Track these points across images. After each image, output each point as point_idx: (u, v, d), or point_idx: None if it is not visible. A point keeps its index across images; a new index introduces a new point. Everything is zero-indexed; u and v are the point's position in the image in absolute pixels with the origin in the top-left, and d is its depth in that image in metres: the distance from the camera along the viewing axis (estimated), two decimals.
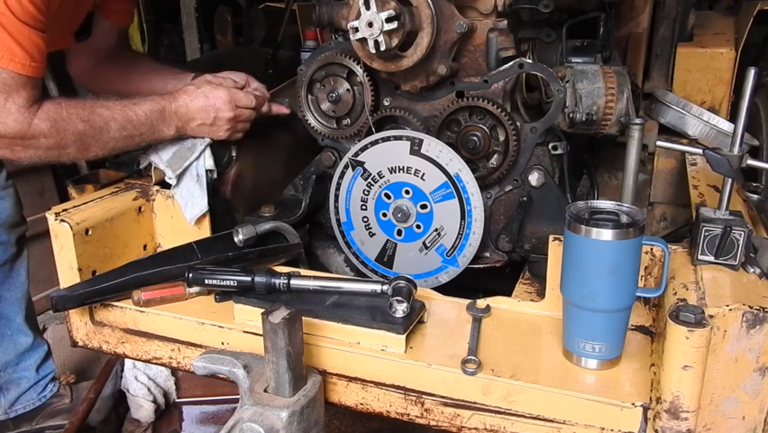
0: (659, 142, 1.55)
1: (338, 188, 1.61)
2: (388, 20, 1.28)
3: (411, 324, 1.22)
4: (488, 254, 1.58)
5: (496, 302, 1.34)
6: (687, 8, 2.03)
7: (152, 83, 1.78)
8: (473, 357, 1.16)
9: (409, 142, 1.49)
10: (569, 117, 1.55)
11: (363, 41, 1.32)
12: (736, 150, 1.22)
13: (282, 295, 1.30)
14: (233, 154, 1.67)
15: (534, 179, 1.51)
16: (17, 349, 1.99)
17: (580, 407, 1.08)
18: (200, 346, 1.36)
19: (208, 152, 1.57)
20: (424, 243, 1.55)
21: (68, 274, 1.42)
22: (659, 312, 1.20)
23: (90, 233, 1.43)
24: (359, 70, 1.56)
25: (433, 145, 1.47)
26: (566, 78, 1.55)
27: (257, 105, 1.60)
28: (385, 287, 1.25)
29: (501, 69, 1.46)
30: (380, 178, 1.55)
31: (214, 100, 1.51)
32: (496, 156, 1.51)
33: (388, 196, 1.55)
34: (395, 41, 1.33)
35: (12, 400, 2.01)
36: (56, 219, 1.40)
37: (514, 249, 1.55)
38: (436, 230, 1.53)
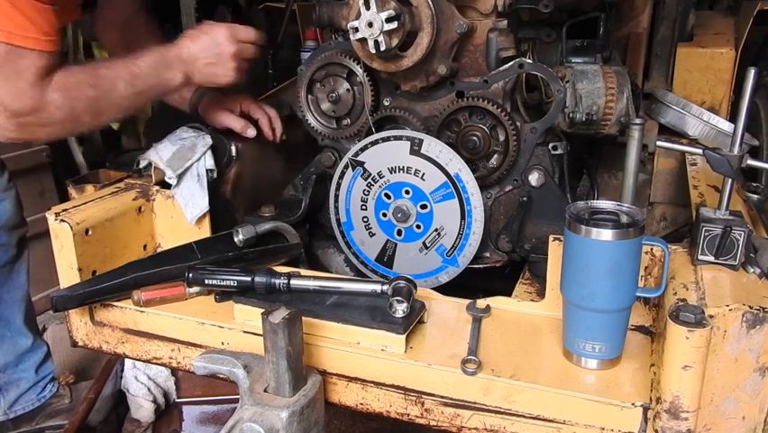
0: (659, 142, 1.55)
1: (338, 188, 1.61)
2: (388, 20, 1.28)
3: (411, 324, 1.22)
4: (488, 254, 1.58)
5: (496, 302, 1.34)
6: (687, 8, 2.03)
7: None
8: (473, 357, 1.16)
9: (409, 142, 1.49)
10: (569, 117, 1.55)
11: (363, 41, 1.32)
12: (736, 150, 1.22)
13: (282, 295, 1.30)
14: (233, 154, 1.67)
15: (534, 179, 1.51)
16: (17, 351, 1.99)
17: (580, 407, 1.08)
18: (200, 346, 1.35)
19: (209, 152, 1.57)
20: (424, 243, 1.55)
21: (68, 274, 1.42)
22: (659, 312, 1.20)
23: (90, 233, 1.43)
24: (359, 70, 1.56)
25: (433, 145, 1.47)
26: (566, 78, 1.55)
27: (257, 39, 1.56)
28: (385, 287, 1.25)
29: (501, 69, 1.46)
30: (380, 178, 1.55)
31: (215, 35, 1.49)
32: (496, 156, 1.51)
33: (388, 196, 1.55)
34: (395, 41, 1.33)
35: (11, 401, 2.01)
36: (56, 219, 1.40)
37: (514, 249, 1.55)
38: (436, 230, 1.53)
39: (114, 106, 1.41)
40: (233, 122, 1.67)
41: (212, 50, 1.48)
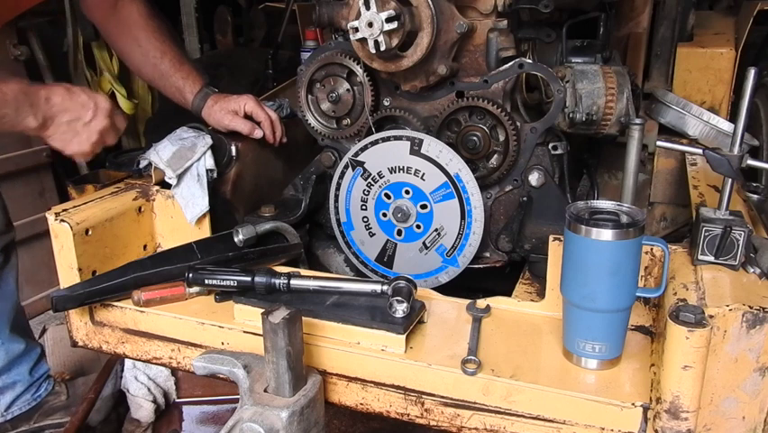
0: (659, 142, 1.55)
1: (338, 188, 1.61)
2: (388, 20, 1.28)
3: (411, 324, 1.22)
4: (488, 254, 1.58)
5: (496, 302, 1.34)
6: (687, 8, 2.03)
7: (149, 59, 1.71)
8: (473, 357, 1.16)
9: (409, 142, 1.49)
10: (569, 117, 1.55)
11: (363, 41, 1.32)
12: (736, 150, 1.22)
13: (282, 295, 1.30)
14: (234, 154, 1.67)
15: (534, 179, 1.51)
16: (9, 357, 1.95)
17: (580, 407, 1.08)
18: (200, 346, 1.35)
19: (209, 152, 1.57)
20: (424, 243, 1.55)
21: (68, 274, 1.42)
22: (659, 312, 1.20)
23: (90, 233, 1.43)
24: (359, 70, 1.56)
25: (433, 145, 1.47)
26: (566, 78, 1.55)
27: (123, 130, 1.45)
28: (385, 287, 1.25)
29: (501, 69, 1.46)
30: (380, 178, 1.55)
31: (97, 101, 1.37)
32: (496, 156, 1.51)
33: (388, 196, 1.55)
34: (395, 41, 1.33)
35: (7, 404, 1.99)
36: (56, 219, 1.40)
37: (514, 249, 1.55)
38: (436, 230, 1.53)
39: None
40: (239, 125, 1.67)
41: (84, 112, 1.34)
